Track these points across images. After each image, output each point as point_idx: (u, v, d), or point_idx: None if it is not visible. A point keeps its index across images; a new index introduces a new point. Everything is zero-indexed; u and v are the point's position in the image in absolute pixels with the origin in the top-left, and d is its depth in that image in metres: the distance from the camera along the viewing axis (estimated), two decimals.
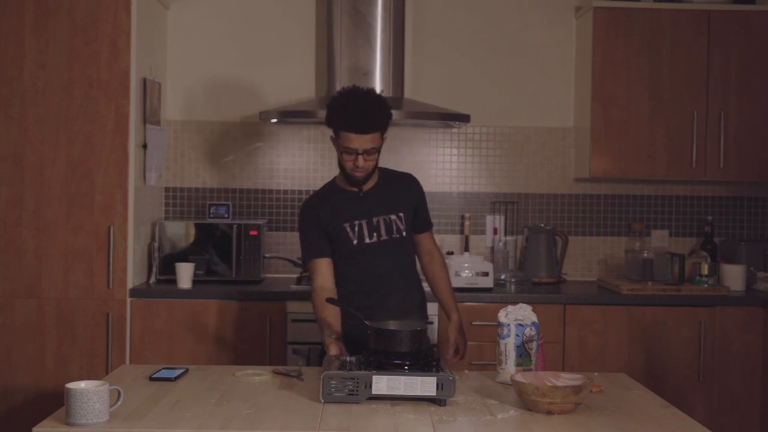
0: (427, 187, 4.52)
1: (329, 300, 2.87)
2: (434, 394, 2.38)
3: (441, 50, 4.61)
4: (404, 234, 3.05)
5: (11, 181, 3.86)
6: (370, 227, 3.00)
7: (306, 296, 3.91)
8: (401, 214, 3.05)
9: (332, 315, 2.89)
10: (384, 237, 3.01)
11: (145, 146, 4.07)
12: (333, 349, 2.74)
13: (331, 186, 3.10)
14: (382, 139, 2.95)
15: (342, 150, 2.92)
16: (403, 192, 3.10)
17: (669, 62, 4.30)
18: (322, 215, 3.00)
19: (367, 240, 2.99)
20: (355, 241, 2.98)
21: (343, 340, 2.83)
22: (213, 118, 4.57)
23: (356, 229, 2.99)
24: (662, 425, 2.29)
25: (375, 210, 3.02)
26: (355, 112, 2.88)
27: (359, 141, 2.87)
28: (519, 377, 2.42)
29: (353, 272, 3.01)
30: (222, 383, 2.61)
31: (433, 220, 4.50)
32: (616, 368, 3.90)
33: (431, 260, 3.21)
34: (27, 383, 3.85)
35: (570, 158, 4.63)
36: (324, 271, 2.99)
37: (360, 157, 2.89)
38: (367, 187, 3.03)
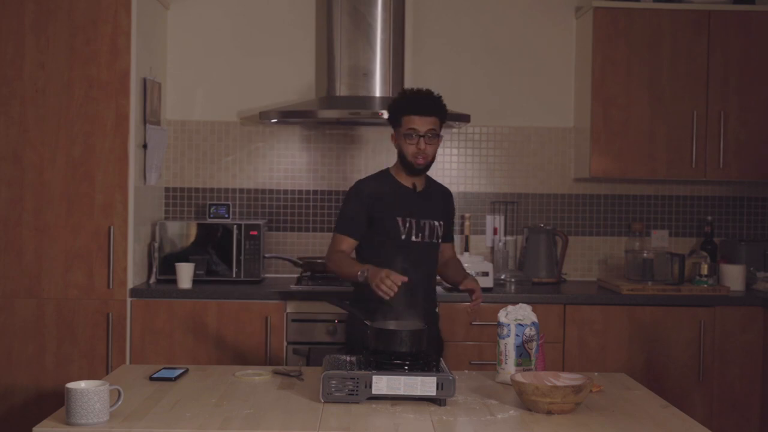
0: None
1: (331, 302, 2.92)
2: (434, 394, 2.38)
3: (441, 50, 4.61)
4: (440, 241, 3.25)
5: (11, 181, 3.86)
6: (418, 227, 3.16)
7: (306, 296, 3.93)
8: (442, 222, 3.24)
9: (350, 257, 3.12)
10: (427, 239, 3.18)
11: (145, 146, 4.07)
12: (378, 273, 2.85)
13: (385, 175, 3.25)
14: (440, 133, 3.14)
15: (405, 134, 3.10)
16: (444, 202, 3.33)
17: (669, 62, 4.30)
18: (372, 199, 3.14)
19: (414, 238, 3.14)
20: (403, 236, 3.12)
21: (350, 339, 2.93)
22: (213, 118, 4.57)
23: (407, 225, 3.13)
24: (662, 425, 2.29)
25: (425, 212, 3.19)
26: (417, 96, 3.14)
27: (421, 122, 3.08)
28: (519, 377, 2.42)
29: (391, 264, 2.99)
30: (222, 383, 2.61)
31: None
32: (616, 368, 3.89)
33: (450, 260, 3.41)
34: (27, 383, 3.85)
35: (570, 158, 4.63)
36: (345, 248, 3.15)
37: (422, 140, 3.07)
38: (420, 186, 3.21)
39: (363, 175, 3.56)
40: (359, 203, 3.16)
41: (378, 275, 2.82)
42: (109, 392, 2.18)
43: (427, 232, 3.18)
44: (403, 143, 3.12)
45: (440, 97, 3.18)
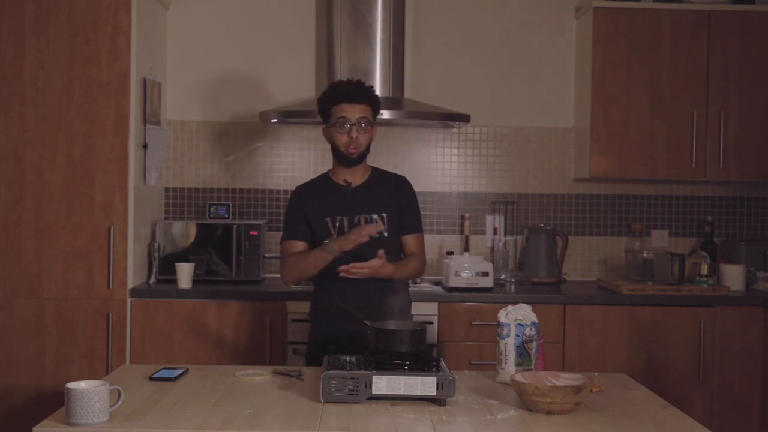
0: (427, 187, 4.57)
1: (331, 302, 2.89)
2: (434, 394, 2.38)
3: (441, 50, 4.61)
4: (385, 235, 3.01)
5: (11, 181, 3.86)
6: (351, 224, 3.00)
7: (306, 296, 3.92)
8: (384, 215, 3.04)
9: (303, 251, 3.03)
10: (374, 233, 2.95)
11: (145, 146, 4.07)
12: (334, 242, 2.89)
13: (324, 178, 3.14)
14: (374, 122, 3.01)
15: (336, 124, 2.97)
16: (392, 192, 3.10)
17: (669, 62, 4.30)
18: (306, 202, 3.05)
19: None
20: (335, 236, 2.98)
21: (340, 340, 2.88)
22: (213, 118, 4.57)
23: (337, 224, 3.01)
24: (662, 425, 2.29)
25: (359, 208, 3.02)
26: (346, 84, 3.04)
27: (352, 110, 2.97)
28: (519, 377, 2.42)
29: (330, 269, 2.94)
30: (222, 383, 2.61)
31: (433, 220, 4.57)
32: (616, 368, 3.89)
33: (411, 256, 3.13)
34: (27, 383, 3.85)
35: (570, 158, 4.63)
36: (296, 251, 3.05)
37: (353, 129, 2.96)
38: (356, 183, 3.06)
39: None
40: (296, 207, 3.07)
41: (348, 236, 2.87)
42: (109, 392, 2.18)
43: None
44: (334, 134, 2.99)
45: (371, 86, 3.06)
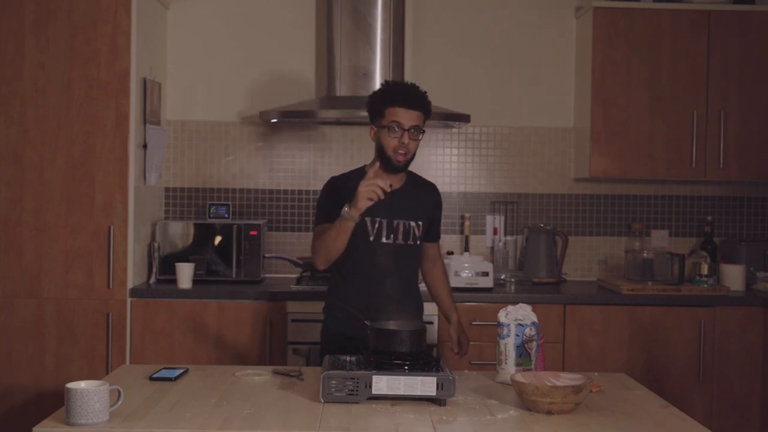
0: None
1: (332, 302, 2.86)
2: (434, 394, 2.38)
3: (441, 50, 4.61)
4: (418, 243, 3.06)
5: (11, 181, 3.86)
6: (390, 228, 2.98)
7: (306, 296, 3.92)
8: (420, 223, 3.05)
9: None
10: (400, 241, 3.00)
11: (145, 146, 4.07)
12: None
13: (360, 172, 3.01)
14: (424, 129, 2.95)
15: (387, 127, 2.88)
16: (426, 200, 3.12)
17: (669, 62, 4.30)
18: (341, 193, 2.92)
19: (384, 240, 2.97)
20: (371, 238, 2.95)
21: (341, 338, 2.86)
22: (213, 118, 4.57)
23: (376, 225, 2.96)
24: (662, 425, 2.29)
25: (398, 212, 2.99)
26: (404, 88, 2.97)
27: (407, 116, 2.88)
28: (519, 377, 2.42)
29: (360, 268, 2.97)
30: (222, 383, 2.61)
31: None
32: (616, 368, 3.89)
33: (434, 267, 3.26)
34: (27, 383, 3.85)
35: (570, 158, 4.63)
36: None
37: (406, 134, 2.87)
38: (395, 185, 2.97)
39: None
40: (334, 196, 2.94)
41: (359, 192, 2.71)
42: (109, 392, 2.18)
43: (401, 234, 2.99)
44: (384, 136, 2.90)
45: (425, 92, 2.97)
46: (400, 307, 2.86)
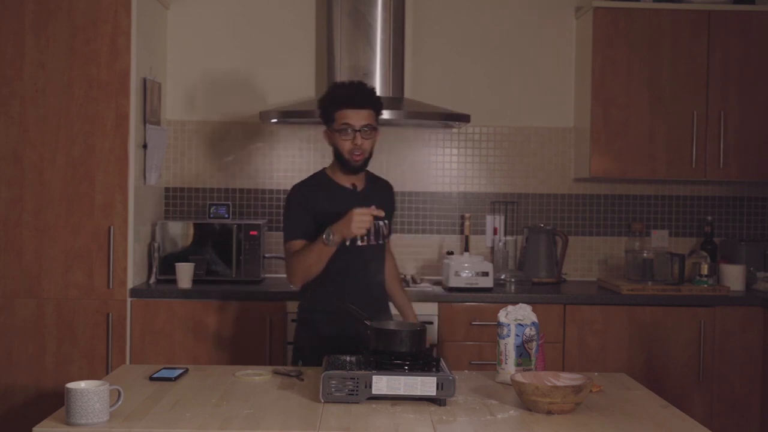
0: (427, 187, 4.58)
1: (335, 303, 2.86)
2: (434, 394, 2.38)
3: (441, 50, 4.61)
4: (386, 240, 3.09)
5: (11, 181, 3.86)
6: None
7: None
8: (386, 221, 3.05)
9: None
10: (372, 241, 2.98)
11: (145, 146, 4.07)
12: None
13: (321, 176, 3.05)
14: (377, 126, 2.95)
15: (339, 130, 2.90)
16: (388, 198, 3.16)
17: (669, 62, 4.30)
18: (311, 200, 2.94)
19: (359, 242, 2.91)
20: (347, 242, 2.85)
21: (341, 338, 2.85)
22: (213, 118, 4.57)
23: None
24: (662, 425, 2.29)
25: None
26: (350, 89, 2.95)
27: (356, 116, 2.89)
28: (519, 377, 2.42)
29: (335, 270, 2.92)
30: (222, 383, 2.61)
31: (433, 220, 4.59)
32: (616, 368, 3.89)
33: (388, 263, 3.21)
34: (27, 383, 3.85)
35: (570, 158, 4.63)
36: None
37: (358, 135, 2.88)
38: (360, 185, 3.02)
39: None
40: (300, 206, 2.95)
41: (347, 219, 2.72)
42: (109, 392, 2.18)
43: (372, 234, 2.94)
44: (337, 139, 2.91)
45: (373, 88, 2.97)
46: (379, 306, 2.93)
